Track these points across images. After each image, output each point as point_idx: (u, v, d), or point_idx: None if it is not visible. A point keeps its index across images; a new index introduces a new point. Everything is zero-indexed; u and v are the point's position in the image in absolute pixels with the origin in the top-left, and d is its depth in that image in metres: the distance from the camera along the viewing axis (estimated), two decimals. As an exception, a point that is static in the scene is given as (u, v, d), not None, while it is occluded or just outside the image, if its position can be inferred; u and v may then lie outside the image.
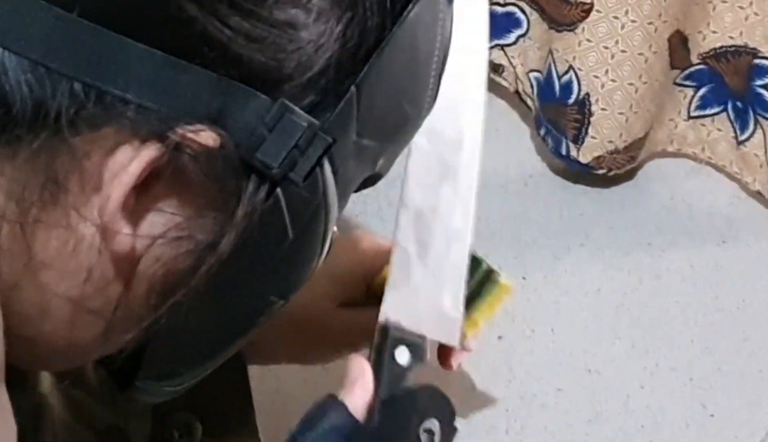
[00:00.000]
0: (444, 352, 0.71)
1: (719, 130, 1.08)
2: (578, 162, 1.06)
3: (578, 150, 1.05)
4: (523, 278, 1.00)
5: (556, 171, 1.11)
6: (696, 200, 1.08)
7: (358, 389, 0.59)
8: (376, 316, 0.65)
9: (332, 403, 0.58)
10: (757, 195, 1.06)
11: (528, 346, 0.95)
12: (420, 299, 0.63)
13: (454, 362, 0.72)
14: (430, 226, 0.61)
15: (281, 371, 0.85)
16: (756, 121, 1.04)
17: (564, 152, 1.07)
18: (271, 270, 0.45)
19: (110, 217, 0.40)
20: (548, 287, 1.00)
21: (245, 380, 0.68)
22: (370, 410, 0.59)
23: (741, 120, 1.06)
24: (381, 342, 0.62)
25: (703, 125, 1.08)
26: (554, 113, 1.06)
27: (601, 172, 1.06)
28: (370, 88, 0.43)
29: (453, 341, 0.64)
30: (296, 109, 0.41)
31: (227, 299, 0.46)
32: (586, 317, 0.98)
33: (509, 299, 0.70)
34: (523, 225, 1.04)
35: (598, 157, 1.05)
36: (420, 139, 0.59)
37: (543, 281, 1.00)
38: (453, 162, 0.60)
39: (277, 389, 0.89)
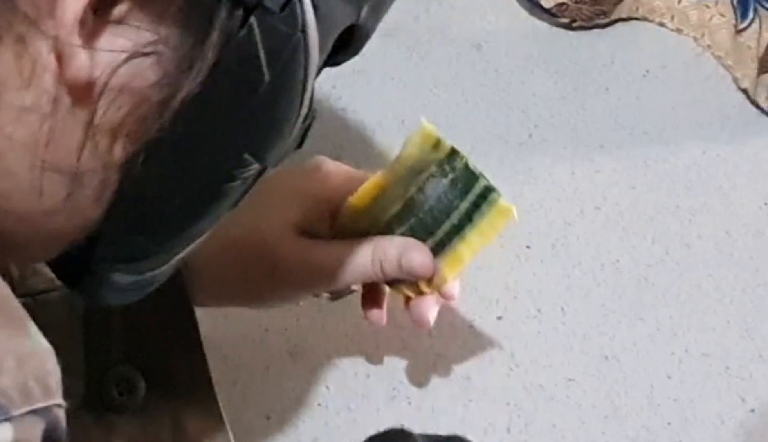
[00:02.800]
0: (415, 303, 0.69)
1: (722, 15, 1.08)
2: (540, 5, 1.08)
3: (540, -7, 1.09)
4: (528, 247, 0.95)
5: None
6: (733, 155, 1.04)
7: None
8: (337, 252, 0.64)
9: None
10: (744, 93, 1.08)
11: (533, 328, 0.91)
12: None
13: (429, 314, 0.69)
14: None
15: (239, 356, 0.85)
16: (755, 10, 1.05)
17: (527, -6, 1.11)
18: (244, 118, 0.45)
19: (66, 36, 0.39)
20: (557, 258, 0.96)
21: (193, 324, 0.66)
22: None
23: (743, 6, 1.06)
24: None
25: (707, 7, 1.09)
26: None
27: (564, 21, 1.08)
28: None
29: None
30: None
31: (196, 153, 0.45)
32: (603, 294, 0.94)
33: (507, 225, 0.65)
34: (527, 183, 1.00)
35: (561, 5, 1.07)
36: None
37: (551, 250, 0.96)
38: None
39: (234, 381, 0.85)
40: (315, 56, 0.44)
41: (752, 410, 0.87)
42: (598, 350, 0.90)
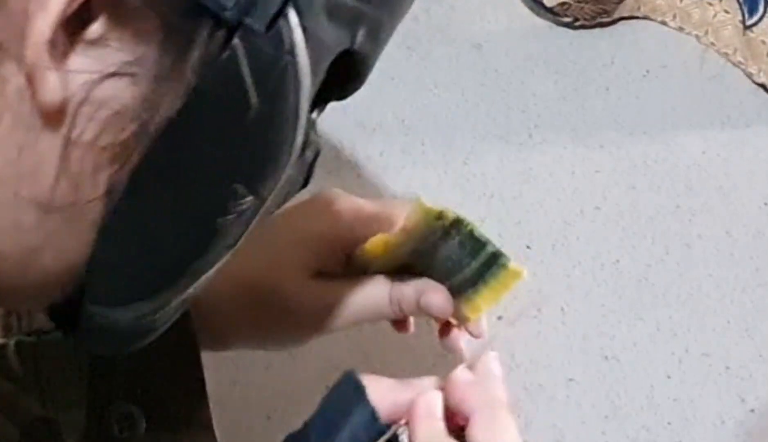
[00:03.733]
0: (445, 329, 0.70)
1: (726, 12, 1.09)
2: (542, 5, 1.09)
3: (543, -9, 1.10)
4: (528, 248, 0.95)
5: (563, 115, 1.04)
6: (733, 155, 1.04)
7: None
8: (354, 293, 0.64)
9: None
10: (762, 88, 1.08)
11: (534, 328, 0.92)
12: None
13: (461, 343, 0.70)
14: None
15: (239, 357, 0.86)
16: (766, 4, 1.05)
17: (530, -8, 1.11)
18: (233, 145, 0.43)
19: (37, 57, 0.38)
20: (557, 258, 0.96)
21: (197, 366, 0.65)
22: None
23: (750, 1, 1.07)
24: None
25: (711, 5, 1.10)
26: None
27: (566, 20, 1.09)
28: None
29: None
30: None
31: (184, 183, 0.43)
32: (603, 294, 0.94)
33: (517, 285, 0.66)
34: (527, 183, 1.00)
35: (563, 4, 1.09)
36: None
37: (551, 250, 0.96)
38: None
39: (235, 379, 0.86)
40: (306, 81, 0.42)
41: (752, 410, 0.88)
42: (598, 350, 0.90)
